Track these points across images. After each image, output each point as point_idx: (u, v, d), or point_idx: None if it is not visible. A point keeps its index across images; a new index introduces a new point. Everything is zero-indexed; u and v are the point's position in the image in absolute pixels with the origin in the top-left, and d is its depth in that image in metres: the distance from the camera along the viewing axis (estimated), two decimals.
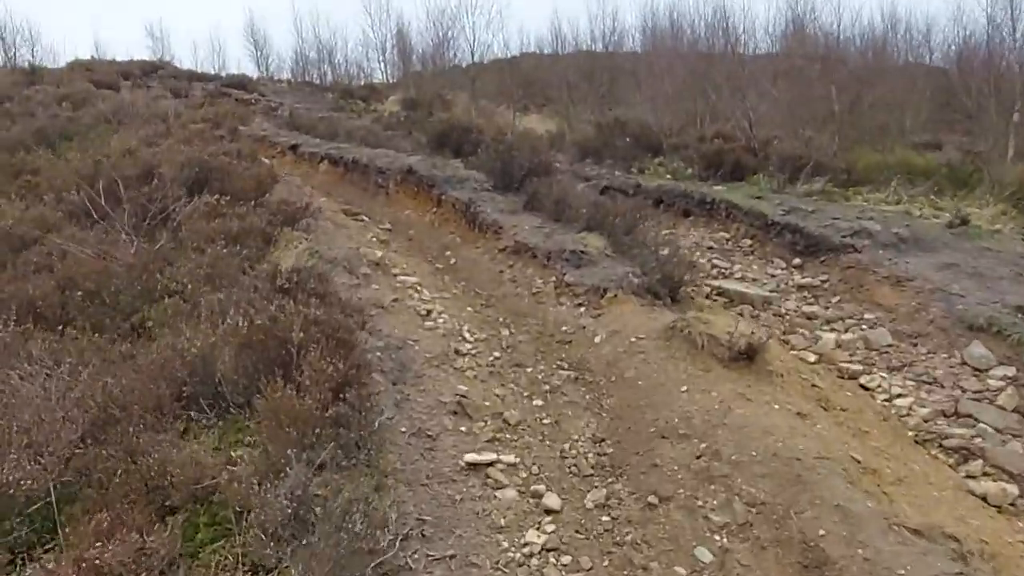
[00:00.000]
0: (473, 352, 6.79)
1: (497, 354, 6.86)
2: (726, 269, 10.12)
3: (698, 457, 5.08)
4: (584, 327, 7.28)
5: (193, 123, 14.09)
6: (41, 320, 7.38)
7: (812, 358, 7.55)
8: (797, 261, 10.12)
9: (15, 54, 35.05)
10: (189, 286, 7.58)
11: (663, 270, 7.76)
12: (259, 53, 38.78)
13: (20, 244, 9.99)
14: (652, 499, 4.80)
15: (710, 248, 10.89)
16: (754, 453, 4.97)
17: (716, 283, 9.41)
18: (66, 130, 18.51)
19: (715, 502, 4.66)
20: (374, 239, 10.21)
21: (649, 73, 31.76)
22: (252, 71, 39.27)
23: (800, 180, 13.72)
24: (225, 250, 8.06)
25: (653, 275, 7.74)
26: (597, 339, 7.01)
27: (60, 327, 6.90)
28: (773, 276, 9.92)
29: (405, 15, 49.59)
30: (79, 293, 7.75)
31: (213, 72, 38.01)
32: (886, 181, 13.57)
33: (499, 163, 10.79)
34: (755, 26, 37.03)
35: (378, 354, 6.27)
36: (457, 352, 6.72)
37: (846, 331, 8.29)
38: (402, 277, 8.55)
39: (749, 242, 10.91)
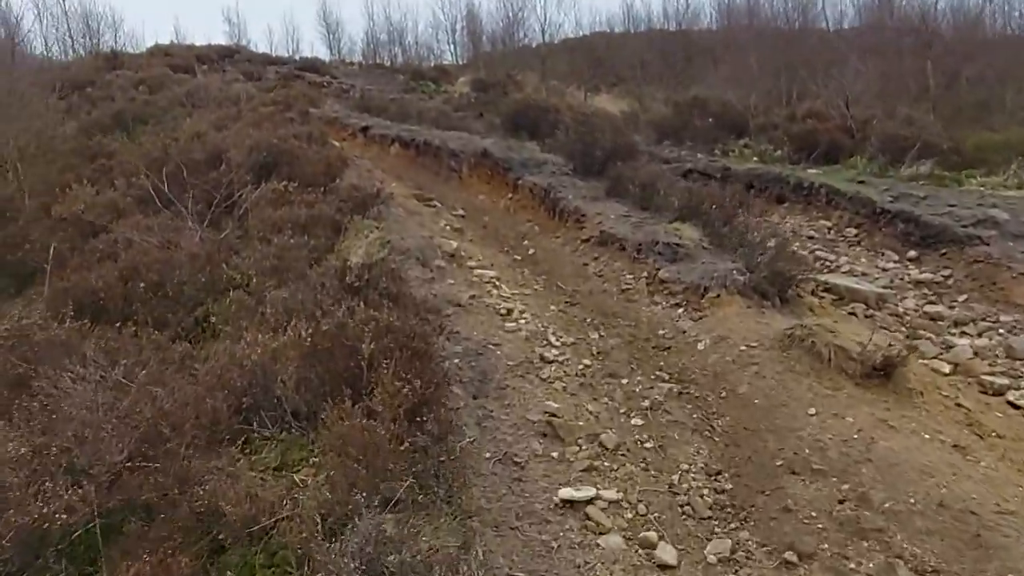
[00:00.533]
0: (560, 359, 5.93)
1: (587, 361, 5.99)
2: (831, 262, 9.00)
3: (841, 502, 4.13)
4: (684, 331, 6.34)
5: (264, 106, 13.54)
6: (103, 313, 6.88)
7: (946, 368, 6.43)
8: (912, 253, 8.91)
9: (99, 40, 35.51)
10: (254, 279, 6.95)
11: (771, 266, 6.75)
12: (331, 36, 38.48)
13: (90, 230, 9.59)
14: (789, 555, 3.88)
15: (811, 238, 9.76)
16: (912, 500, 4.00)
17: (823, 278, 8.31)
18: (143, 113, 18.32)
19: (871, 565, 3.71)
20: (447, 227, 9.43)
21: (726, 50, 30.18)
22: (325, 54, 39.05)
23: (905, 162, 12.37)
24: (292, 240, 7.39)
25: (759, 272, 6.74)
26: (700, 346, 6.07)
27: (120, 322, 6.35)
28: (885, 270, 8.76)
29: None
30: (142, 285, 7.22)
31: (287, 56, 37.91)
32: (1003, 163, 12.10)
33: (579, 145, 9.87)
34: None
35: (456, 361, 5.49)
36: (543, 359, 5.87)
37: (980, 335, 7.13)
38: (479, 270, 7.75)
39: (854, 231, 9.73)
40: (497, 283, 7.47)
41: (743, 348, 5.80)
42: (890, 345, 5.38)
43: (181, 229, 8.90)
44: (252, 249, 7.62)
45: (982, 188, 11.09)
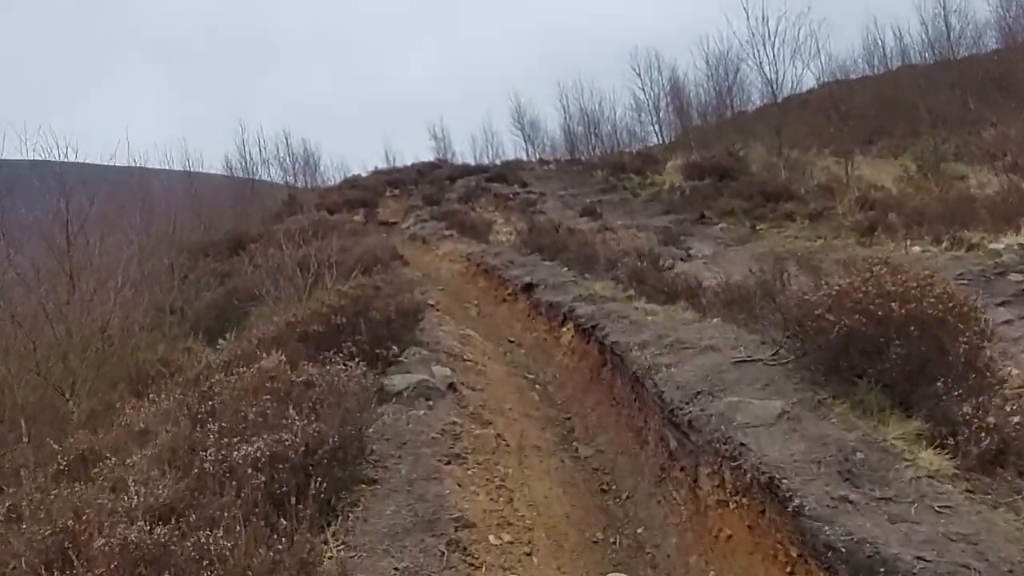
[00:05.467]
0: None
1: None
2: None
3: None
4: None
5: (325, 306, 6.72)
6: None
7: None
8: None
9: (313, 174, 32.36)
10: None
11: None
12: (525, 136, 32.47)
13: None
14: None
15: None
16: None
17: None
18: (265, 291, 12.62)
19: None
20: None
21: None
22: (524, 154, 33.06)
23: None
24: None
25: None
26: None
27: None
28: None
29: (680, 66, 40.39)
30: None
31: (488, 162, 32.50)
32: None
33: None
34: None
35: None
36: None
37: None
38: None
39: None
40: None
41: None
42: None
43: None
44: None
45: None
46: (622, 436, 5.72)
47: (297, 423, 4.17)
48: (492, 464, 5.04)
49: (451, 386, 6.08)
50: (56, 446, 4.98)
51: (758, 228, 14.30)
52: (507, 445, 5.46)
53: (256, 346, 6.51)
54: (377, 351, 6.35)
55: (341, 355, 6.00)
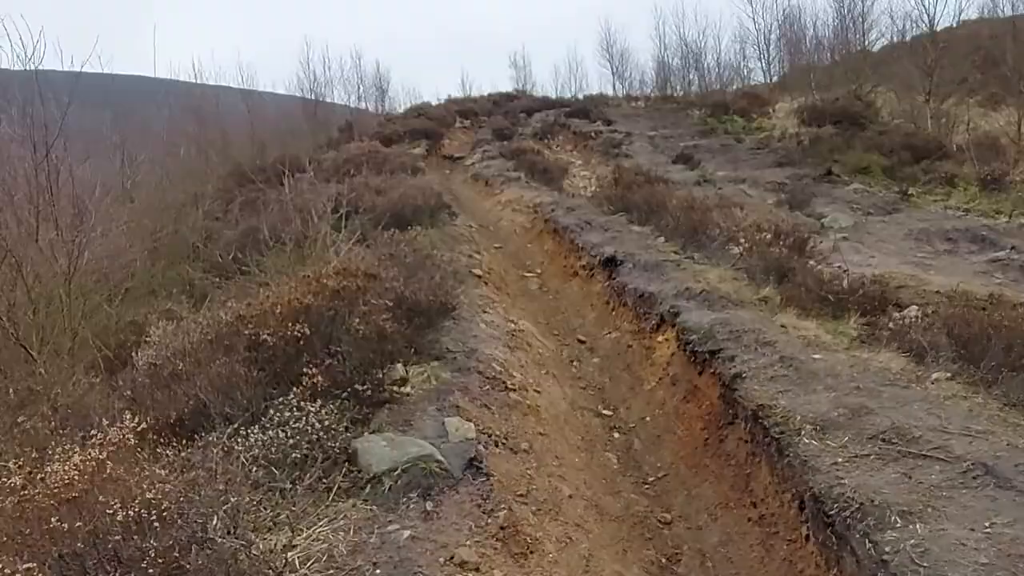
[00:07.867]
0: None
1: None
2: None
3: None
4: None
5: (282, 302, 4.23)
6: None
7: None
8: None
9: (383, 97, 29.58)
10: None
11: None
12: (613, 69, 28.52)
13: None
14: None
15: None
16: None
17: None
18: (289, 230, 10.23)
19: None
20: None
21: None
22: (611, 89, 29.24)
23: None
24: None
25: None
26: None
27: None
28: None
29: None
30: None
31: (570, 96, 28.94)
32: None
33: None
34: None
35: None
36: None
37: None
38: None
39: None
40: None
41: None
42: None
43: None
44: None
45: None
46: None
47: None
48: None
49: (472, 462, 3.44)
50: None
51: (908, 193, 10.80)
52: None
53: (182, 356, 4.04)
54: (360, 385, 3.77)
55: (300, 388, 3.52)
